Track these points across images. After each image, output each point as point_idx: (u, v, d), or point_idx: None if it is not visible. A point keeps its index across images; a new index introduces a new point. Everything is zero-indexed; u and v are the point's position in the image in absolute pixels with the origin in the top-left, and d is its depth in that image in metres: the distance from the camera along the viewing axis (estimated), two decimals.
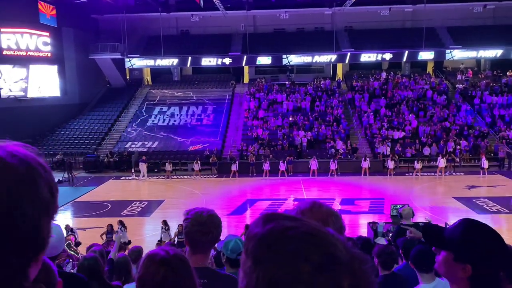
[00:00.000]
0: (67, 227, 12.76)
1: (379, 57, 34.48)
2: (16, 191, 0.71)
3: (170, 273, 1.54)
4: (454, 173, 23.95)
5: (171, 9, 34.74)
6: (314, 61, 35.14)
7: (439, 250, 1.48)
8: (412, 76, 34.89)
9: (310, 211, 1.34)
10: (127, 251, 10.01)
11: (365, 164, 23.50)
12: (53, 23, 30.53)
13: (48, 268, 1.56)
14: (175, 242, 11.92)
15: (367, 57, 34.41)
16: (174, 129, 30.45)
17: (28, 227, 0.72)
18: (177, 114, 32.18)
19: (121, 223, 13.02)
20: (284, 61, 34.78)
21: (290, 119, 29.59)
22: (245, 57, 34.52)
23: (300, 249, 0.67)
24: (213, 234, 2.20)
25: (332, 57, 34.65)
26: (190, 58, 34.73)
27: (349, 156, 25.60)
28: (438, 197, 19.70)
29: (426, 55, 34.28)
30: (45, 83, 30.95)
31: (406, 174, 23.99)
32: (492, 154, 25.36)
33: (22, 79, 29.83)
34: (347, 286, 0.65)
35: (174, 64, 35.34)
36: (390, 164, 23.44)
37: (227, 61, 34.84)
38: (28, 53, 29.75)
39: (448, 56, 34.28)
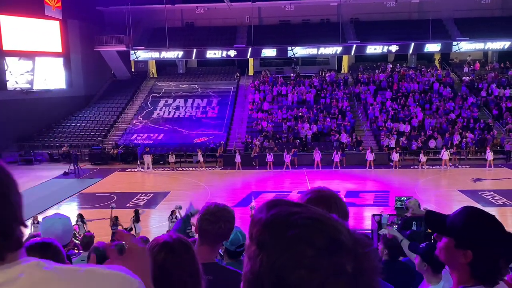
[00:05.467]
0: (78, 216, 13.05)
1: (385, 49, 34.26)
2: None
3: (170, 255, 1.62)
4: (459, 166, 23.84)
5: (176, 1, 34.63)
6: (319, 53, 34.97)
7: (441, 236, 1.50)
8: (418, 68, 34.63)
9: (316, 195, 1.34)
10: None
11: (370, 157, 23.44)
12: (58, 15, 30.55)
13: (57, 250, 2.16)
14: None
15: (373, 49, 34.19)
16: (179, 121, 30.50)
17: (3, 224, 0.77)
18: (182, 107, 32.21)
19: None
20: (289, 53, 34.64)
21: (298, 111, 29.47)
22: (250, 49, 34.41)
23: (303, 234, 0.67)
24: (221, 226, 2.17)
25: (338, 49, 34.46)
26: (195, 50, 34.70)
27: (354, 149, 25.56)
28: (443, 190, 19.64)
29: (432, 47, 34.00)
30: (51, 75, 31.05)
31: (412, 167, 23.91)
32: (498, 147, 25.19)
33: (28, 72, 29.94)
34: (350, 270, 0.66)
35: (179, 56, 35.31)
36: (395, 157, 23.37)
37: (232, 53, 34.76)
38: (34, 45, 29.78)
39: (455, 48, 33.98)
